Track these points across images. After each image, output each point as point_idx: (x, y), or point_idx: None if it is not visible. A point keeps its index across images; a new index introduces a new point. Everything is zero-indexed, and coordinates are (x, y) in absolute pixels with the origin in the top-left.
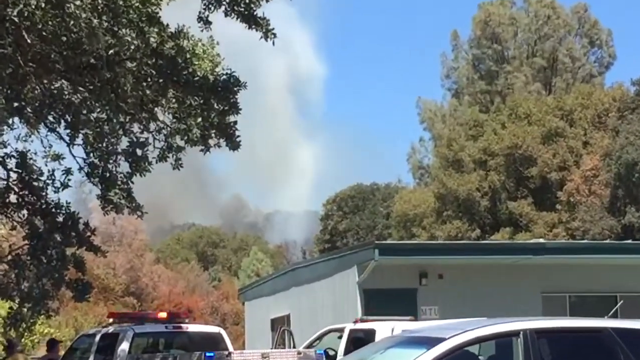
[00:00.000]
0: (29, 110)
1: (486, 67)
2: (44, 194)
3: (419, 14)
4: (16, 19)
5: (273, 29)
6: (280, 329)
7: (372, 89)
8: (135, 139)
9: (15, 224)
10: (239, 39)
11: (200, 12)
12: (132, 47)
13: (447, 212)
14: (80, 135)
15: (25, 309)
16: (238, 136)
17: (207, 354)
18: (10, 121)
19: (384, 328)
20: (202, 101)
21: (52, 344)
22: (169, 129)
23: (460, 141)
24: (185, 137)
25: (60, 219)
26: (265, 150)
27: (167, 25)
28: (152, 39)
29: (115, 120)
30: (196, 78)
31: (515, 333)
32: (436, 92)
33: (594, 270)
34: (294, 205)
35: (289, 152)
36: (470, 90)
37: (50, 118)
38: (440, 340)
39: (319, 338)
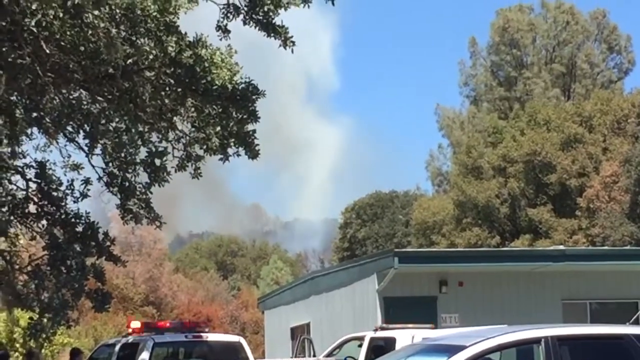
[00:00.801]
0: (48, 120)
1: (505, 73)
2: (63, 204)
3: (437, 20)
4: (35, 29)
5: (292, 36)
6: (300, 337)
7: (390, 96)
8: (154, 149)
9: (34, 234)
10: (257, 44)
11: (218, 21)
12: (151, 56)
13: (467, 220)
14: (99, 145)
15: (45, 319)
16: (257, 145)
17: None
18: (29, 131)
19: (405, 336)
20: (220, 110)
21: (75, 354)
22: (187, 138)
23: (479, 148)
24: (204, 146)
25: (80, 229)
26: (283, 159)
27: (186, 34)
28: (170, 48)
29: (134, 130)
30: (214, 87)
31: (537, 340)
32: (454, 99)
33: (615, 276)
34: (313, 214)
35: (307, 160)
36: (488, 97)
37: (69, 128)
38: (461, 348)
39: (339, 346)
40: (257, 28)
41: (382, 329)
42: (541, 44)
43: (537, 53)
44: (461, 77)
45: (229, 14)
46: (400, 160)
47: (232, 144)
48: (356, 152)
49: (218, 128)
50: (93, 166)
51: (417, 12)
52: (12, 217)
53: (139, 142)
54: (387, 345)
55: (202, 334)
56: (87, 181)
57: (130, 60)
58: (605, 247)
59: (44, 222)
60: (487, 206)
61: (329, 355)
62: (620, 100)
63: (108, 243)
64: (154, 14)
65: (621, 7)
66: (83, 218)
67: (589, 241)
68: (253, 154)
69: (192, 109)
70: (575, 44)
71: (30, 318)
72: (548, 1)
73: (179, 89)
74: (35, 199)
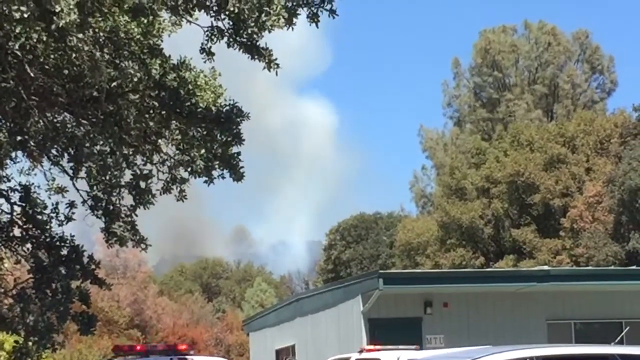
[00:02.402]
0: (32, 143)
1: (487, 94)
2: (47, 227)
3: (420, 41)
4: (18, 53)
5: (276, 59)
6: (286, 359)
7: (373, 118)
8: (138, 171)
9: (19, 257)
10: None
11: (202, 44)
12: (135, 79)
13: (451, 241)
14: (84, 168)
15: (30, 343)
16: (242, 167)
17: None
18: (13, 155)
19: (390, 357)
20: (205, 132)
21: None
22: (172, 160)
23: (463, 169)
24: (189, 169)
25: (65, 252)
26: (268, 181)
27: (169, 57)
28: (154, 71)
29: (118, 153)
30: (199, 109)
31: None
32: (438, 120)
33: (599, 296)
34: (298, 236)
35: (292, 182)
36: (471, 118)
37: (54, 151)
38: None
39: None
40: (241, 50)
41: (368, 350)
42: (523, 65)
43: (520, 74)
44: (444, 98)
45: (213, 37)
46: (384, 181)
47: (216, 166)
48: (339, 173)
49: (202, 150)
50: (77, 189)
51: (399, 32)
52: None
53: (124, 165)
54: None
55: (187, 356)
56: (71, 204)
57: (114, 83)
58: (590, 268)
59: (29, 245)
60: (471, 227)
61: None
62: (603, 120)
63: (93, 266)
64: (138, 37)
65: (604, 28)
66: (68, 241)
67: (573, 261)
68: (238, 176)
69: (177, 132)
70: (558, 64)
71: (16, 342)
72: (531, 22)
73: (163, 112)
74: (20, 223)
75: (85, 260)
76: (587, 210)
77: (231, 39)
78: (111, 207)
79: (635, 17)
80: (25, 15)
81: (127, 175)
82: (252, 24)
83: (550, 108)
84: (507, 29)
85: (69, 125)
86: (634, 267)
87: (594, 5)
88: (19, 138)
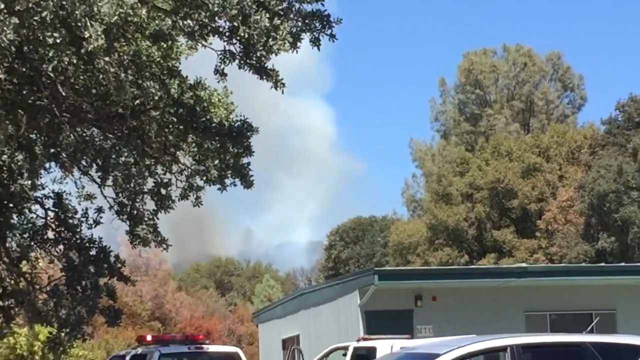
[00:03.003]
0: (64, 155)
1: (470, 110)
2: (78, 230)
3: (411, 63)
4: (51, 74)
5: (282, 79)
6: (291, 348)
7: (369, 130)
8: (159, 180)
9: (53, 257)
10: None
11: (216, 66)
12: (156, 97)
13: (439, 241)
14: (110, 177)
15: (62, 334)
16: (252, 176)
17: None
18: (47, 165)
19: (384, 345)
20: (218, 145)
21: None
22: (189, 170)
23: (449, 177)
24: (204, 178)
25: (94, 252)
26: (274, 187)
27: (186, 77)
28: (173, 90)
29: (141, 163)
30: (213, 124)
31: (503, 348)
32: (426, 134)
33: (572, 290)
34: (301, 237)
35: (295, 188)
36: (456, 131)
37: (83, 162)
38: (435, 356)
39: (326, 355)
40: (251, 71)
41: (364, 339)
42: (502, 84)
43: (499, 92)
44: (432, 113)
45: (225, 59)
46: (379, 188)
47: (229, 175)
48: (338, 180)
49: (216, 161)
50: (105, 196)
51: (393, 54)
52: (32, 243)
53: (146, 174)
54: (369, 354)
55: (203, 345)
56: (99, 210)
57: (137, 101)
58: (563, 264)
59: (61, 246)
60: (457, 229)
61: None
62: (574, 132)
63: (119, 265)
64: (158, 59)
65: (575, 49)
66: (96, 243)
67: (548, 259)
68: (248, 184)
69: (193, 144)
70: (533, 83)
71: (50, 333)
72: (509, 45)
73: (181, 127)
74: (53, 226)
75: (112, 259)
76: (560, 214)
77: (242, 62)
78: (135, 212)
79: (602, 40)
80: (58, 41)
81: (149, 183)
82: (261, 48)
83: (527, 122)
84: (487, 51)
85: (97, 139)
86: (602, 264)
87: (566, 29)
88: (52, 150)
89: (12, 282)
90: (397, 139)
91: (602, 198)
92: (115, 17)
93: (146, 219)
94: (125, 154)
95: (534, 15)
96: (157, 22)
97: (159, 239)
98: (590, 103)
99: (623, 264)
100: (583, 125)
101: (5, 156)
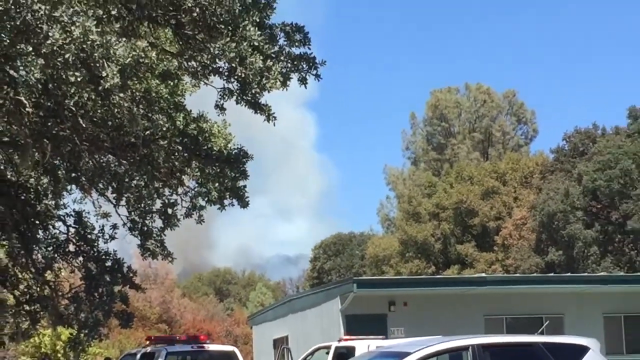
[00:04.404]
0: (84, 179)
1: (437, 140)
2: (95, 244)
3: (386, 100)
4: (73, 108)
5: (274, 113)
6: (281, 347)
7: (350, 157)
8: (166, 201)
9: (73, 267)
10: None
11: (216, 101)
12: (164, 128)
13: (409, 254)
14: (124, 198)
15: (82, 335)
16: (247, 197)
17: None
18: (69, 187)
19: (362, 345)
20: (218, 170)
21: None
22: (193, 192)
23: (418, 198)
24: (206, 199)
25: (109, 263)
26: (266, 207)
27: (190, 111)
28: (178, 122)
29: (151, 186)
30: (213, 152)
31: (465, 347)
32: (398, 161)
33: (525, 297)
34: (290, 250)
35: (284, 207)
36: (425, 158)
37: (100, 185)
38: (407, 354)
39: (311, 354)
40: (247, 106)
41: (345, 339)
42: (465, 118)
43: (462, 124)
44: (403, 143)
45: (224, 96)
46: (357, 207)
47: (227, 196)
48: (322, 201)
49: (216, 184)
50: (119, 215)
51: (368, 94)
52: (55, 255)
53: (155, 196)
54: (349, 352)
55: (204, 345)
56: (114, 226)
57: (147, 132)
58: (517, 275)
59: (81, 258)
60: (425, 243)
61: None
62: (527, 160)
63: (131, 274)
64: (166, 95)
65: (528, 87)
66: (111, 255)
67: (504, 270)
68: (244, 204)
69: (196, 170)
70: (491, 117)
71: (70, 334)
72: (470, 84)
73: (186, 154)
74: (74, 241)
75: (125, 270)
76: (515, 230)
77: (239, 98)
78: (145, 229)
79: (552, 79)
80: (79, 79)
81: (158, 204)
82: (255, 86)
83: (486, 151)
84: (451, 89)
85: (112, 165)
86: (551, 274)
87: (520, 69)
88: (73, 175)
89: (38, 289)
90: (373, 166)
91: (551, 217)
92: (129, 59)
93: (155, 234)
94: (137, 178)
95: (493, 57)
96: (165, 63)
97: (166, 252)
98: (540, 134)
99: (569, 274)
100: (534, 153)
101: (32, 179)
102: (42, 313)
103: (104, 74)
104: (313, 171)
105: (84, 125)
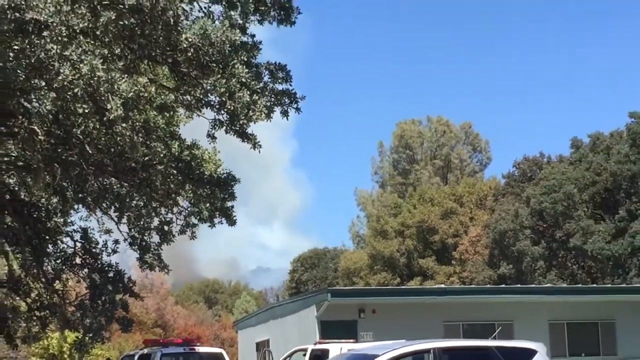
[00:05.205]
0: (89, 199)
1: (402, 166)
2: (99, 257)
3: (358, 131)
4: (80, 136)
5: (259, 142)
6: (263, 349)
7: (325, 181)
8: (163, 219)
9: (79, 278)
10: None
11: (208, 131)
12: (161, 155)
13: (377, 267)
14: (125, 216)
15: (87, 338)
16: (235, 216)
17: None
18: (76, 207)
19: (335, 348)
20: (209, 192)
21: None
22: (186, 211)
23: (385, 218)
24: (198, 217)
25: (111, 274)
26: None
27: (185, 139)
28: (174, 149)
29: (149, 206)
30: (205, 176)
31: (427, 350)
32: (368, 184)
33: (479, 306)
34: (271, 263)
35: (265, 224)
36: (391, 182)
37: (104, 205)
38: (375, 356)
39: (290, 356)
40: (235, 136)
41: (319, 343)
42: (426, 146)
43: (424, 152)
44: (372, 169)
45: (215, 126)
46: (331, 225)
47: (217, 215)
48: (300, 219)
49: (207, 205)
50: (120, 231)
51: (341, 127)
52: (64, 267)
53: (153, 214)
54: (323, 354)
55: (195, 347)
56: (116, 241)
57: (146, 158)
58: (473, 286)
59: (86, 270)
60: (391, 257)
61: None
62: (481, 184)
63: (131, 284)
64: (163, 125)
65: (483, 119)
66: (113, 267)
67: (461, 281)
68: (231, 222)
69: (190, 191)
70: (450, 146)
71: (76, 337)
72: (432, 116)
73: (180, 178)
74: (80, 254)
75: (126, 280)
76: (470, 246)
77: (228, 128)
78: (144, 244)
79: (505, 113)
80: (86, 111)
81: (155, 222)
82: (243, 118)
83: (445, 176)
84: (415, 121)
85: (114, 187)
86: (503, 286)
87: (477, 104)
88: (80, 195)
89: (48, 297)
90: (345, 189)
91: (503, 235)
92: (131, 93)
93: (152, 249)
94: (137, 198)
95: (452, 93)
96: (162, 97)
97: (162, 265)
98: (494, 161)
99: (518, 285)
100: (488, 178)
101: (43, 199)
102: (51, 318)
103: (109, 107)
104: (290, 194)
105: (90, 151)
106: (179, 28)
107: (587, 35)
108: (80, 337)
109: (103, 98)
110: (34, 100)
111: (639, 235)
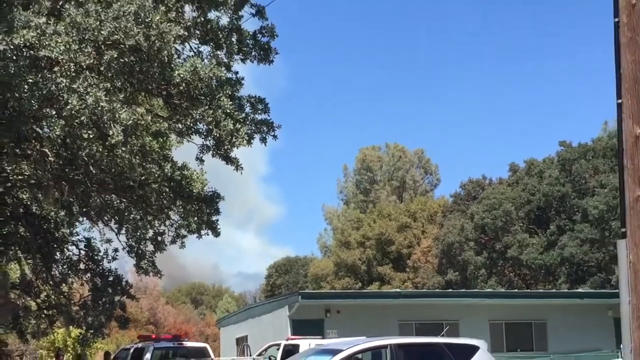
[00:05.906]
0: (92, 213)
1: (364, 186)
2: (101, 263)
3: (323, 156)
4: (85, 158)
5: (241, 164)
6: (242, 344)
7: (296, 199)
8: (157, 231)
9: (83, 282)
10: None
11: (197, 155)
12: (155, 175)
13: (341, 273)
14: (124, 228)
15: (89, 334)
16: (219, 229)
17: None
18: (81, 219)
19: (305, 343)
20: (197, 207)
21: (107, 356)
22: (177, 224)
23: (349, 231)
24: (187, 229)
25: (111, 278)
26: (232, 236)
27: (176, 162)
28: (166, 170)
29: (145, 219)
30: (193, 193)
31: (385, 346)
32: (334, 201)
33: (430, 307)
34: (250, 269)
35: (245, 232)
36: (354, 200)
37: (105, 218)
38: (339, 350)
39: (265, 350)
40: (220, 159)
41: (291, 339)
42: (385, 169)
43: (383, 174)
44: (338, 188)
45: (203, 150)
46: (302, 237)
47: (203, 227)
48: (275, 233)
49: (195, 218)
50: (119, 241)
51: (310, 151)
52: (69, 272)
53: (148, 227)
54: (294, 349)
55: (183, 342)
56: (116, 250)
57: (142, 177)
58: (424, 290)
59: (89, 274)
60: (353, 265)
61: (259, 355)
62: (432, 202)
63: (128, 287)
64: (157, 149)
65: (434, 146)
66: (113, 272)
67: (414, 286)
68: (216, 234)
69: (180, 207)
70: (405, 169)
71: (79, 333)
72: (389, 143)
73: (172, 195)
74: (84, 260)
75: (124, 283)
76: (422, 256)
77: (214, 152)
78: (140, 252)
79: (452, 140)
80: (91, 136)
81: (150, 233)
82: (227, 144)
83: (401, 195)
84: (375, 147)
85: (115, 202)
86: (450, 290)
87: (428, 131)
88: (84, 209)
89: (55, 298)
90: (313, 206)
91: (450, 246)
92: (130, 121)
93: (147, 256)
94: (134, 212)
95: (407, 121)
96: (157, 124)
97: (155, 270)
98: (442, 183)
99: (463, 290)
100: (438, 197)
101: (52, 213)
102: (57, 316)
103: (111, 133)
104: (266, 208)
105: (93, 171)
106: (173, 65)
107: (514, 78)
108: (83, 333)
109: (106, 125)
110: (45, 126)
111: (567, 248)
